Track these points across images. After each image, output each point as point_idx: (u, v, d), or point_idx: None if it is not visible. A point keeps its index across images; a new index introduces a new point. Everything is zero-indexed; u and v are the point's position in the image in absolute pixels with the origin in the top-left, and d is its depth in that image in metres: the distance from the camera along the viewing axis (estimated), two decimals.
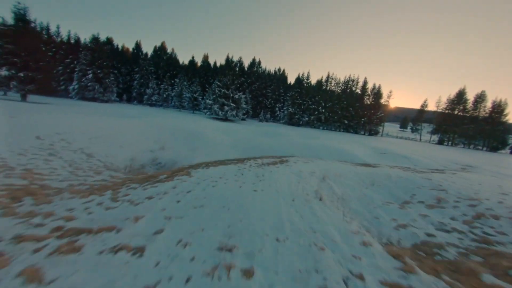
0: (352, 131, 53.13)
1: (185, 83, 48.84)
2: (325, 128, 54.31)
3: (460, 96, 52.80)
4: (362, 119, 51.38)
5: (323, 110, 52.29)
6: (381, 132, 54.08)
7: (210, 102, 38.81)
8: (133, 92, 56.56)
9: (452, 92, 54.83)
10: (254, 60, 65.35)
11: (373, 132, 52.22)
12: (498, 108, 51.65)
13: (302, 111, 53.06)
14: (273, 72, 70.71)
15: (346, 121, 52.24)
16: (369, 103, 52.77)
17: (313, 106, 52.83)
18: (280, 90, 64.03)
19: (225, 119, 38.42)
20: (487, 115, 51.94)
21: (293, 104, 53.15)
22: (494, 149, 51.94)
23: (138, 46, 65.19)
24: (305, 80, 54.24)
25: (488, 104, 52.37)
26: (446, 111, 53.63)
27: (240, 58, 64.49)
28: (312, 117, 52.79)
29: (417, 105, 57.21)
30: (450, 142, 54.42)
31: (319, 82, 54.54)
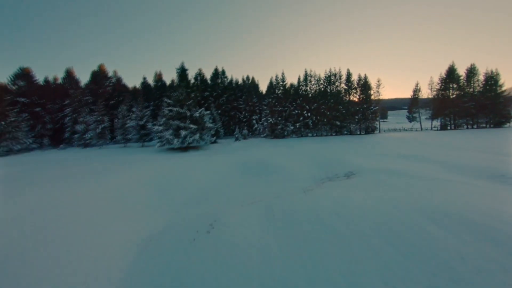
0: (346, 132, 44.59)
1: (135, 109, 36.83)
2: (315, 134, 45.16)
3: (452, 73, 47.40)
4: (356, 117, 43.17)
5: (309, 114, 43.30)
6: (378, 128, 46.27)
7: (160, 128, 27.40)
8: (65, 132, 43.00)
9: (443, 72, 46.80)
10: (216, 70, 55.60)
11: (370, 130, 44.12)
12: (491, 80, 46.78)
13: (285, 119, 43.56)
14: (241, 82, 61.42)
15: (338, 122, 43.64)
16: (357, 97, 45.09)
17: (296, 111, 43.68)
18: (254, 100, 54.42)
19: (185, 148, 27.02)
20: (481, 89, 46.81)
21: (272, 113, 43.55)
22: (498, 124, 46.41)
23: (69, 74, 52.19)
24: (281, 83, 45.32)
25: (481, 78, 47.42)
26: (442, 93, 47.74)
27: (200, 70, 54.43)
28: (297, 124, 43.42)
29: (405, 95, 50.45)
30: (452, 125, 48.17)
31: (298, 83, 45.96)
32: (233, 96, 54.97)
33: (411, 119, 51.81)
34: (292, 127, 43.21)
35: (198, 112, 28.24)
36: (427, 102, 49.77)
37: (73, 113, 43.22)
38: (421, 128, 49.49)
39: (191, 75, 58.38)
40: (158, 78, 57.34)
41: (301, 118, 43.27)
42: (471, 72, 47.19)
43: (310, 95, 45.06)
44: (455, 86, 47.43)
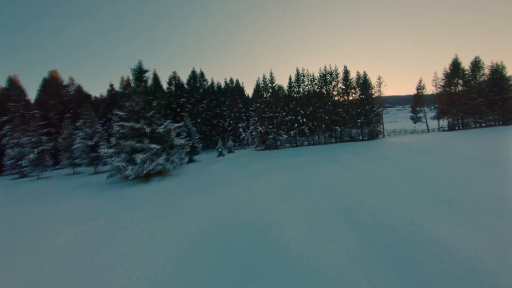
0: (347, 138, 38.60)
1: (81, 124, 28.56)
2: (312, 141, 38.79)
3: (456, 66, 42.97)
4: (359, 120, 37.31)
5: (304, 120, 36.89)
6: (382, 131, 40.76)
7: (109, 151, 19.69)
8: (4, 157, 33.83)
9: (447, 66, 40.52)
10: (194, 72, 48.19)
11: (374, 135, 38.41)
12: (496, 74, 42.81)
13: (277, 127, 36.87)
14: (224, 85, 54.40)
15: (337, 127, 37.56)
16: (356, 97, 39.41)
17: (290, 117, 37.15)
18: (240, 105, 47.47)
19: (147, 177, 19.57)
20: (488, 83, 42.69)
21: (261, 120, 36.74)
22: (506, 122, 42.37)
23: (12, 83, 42.89)
24: (269, 85, 38.73)
25: (486, 71, 43.34)
26: (447, 89, 43.15)
27: (174, 73, 46.83)
28: (292, 132, 36.85)
29: (405, 92, 44.93)
30: (460, 125, 43.62)
31: (289, 84, 39.62)
32: (215, 101, 47.75)
33: (415, 119, 46.83)
34: (285, 136, 36.57)
35: (162, 127, 20.78)
36: (431, 100, 45.10)
37: (13, 132, 34.14)
38: (428, 129, 44.69)
39: (164, 79, 50.84)
40: (126, 84, 49.01)
41: (296, 124, 36.75)
42: (476, 65, 43.02)
43: (304, 97, 38.72)
44: (460, 81, 42.99)
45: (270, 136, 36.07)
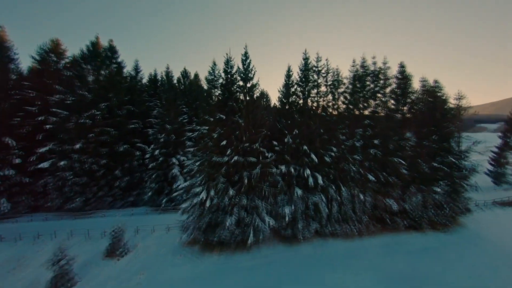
0: (414, 224, 17.00)
1: None
2: (338, 230, 16.22)
3: None
4: (443, 180, 16.04)
5: (317, 174, 14.38)
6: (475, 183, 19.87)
7: None
8: None
9: None
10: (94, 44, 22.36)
11: (462, 209, 17.51)
12: None
13: (249, 189, 13.74)
14: (163, 79, 29.84)
15: (390, 199, 15.81)
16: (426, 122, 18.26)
17: (283, 168, 14.33)
18: (183, 118, 23.33)
19: None
20: None
21: (212, 172, 13.36)
22: None
23: None
24: (239, 83, 15.49)
25: None
26: None
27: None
28: (286, 210, 14.00)
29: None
30: None
31: (286, 77, 16.92)
32: (135, 107, 23.00)
33: (496, 174, 26.84)
34: (269, 220, 13.66)
35: None
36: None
37: None
38: None
39: None
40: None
41: (298, 169, 14.02)
42: None
43: (317, 117, 16.28)
44: None
45: (229, 222, 12.85)
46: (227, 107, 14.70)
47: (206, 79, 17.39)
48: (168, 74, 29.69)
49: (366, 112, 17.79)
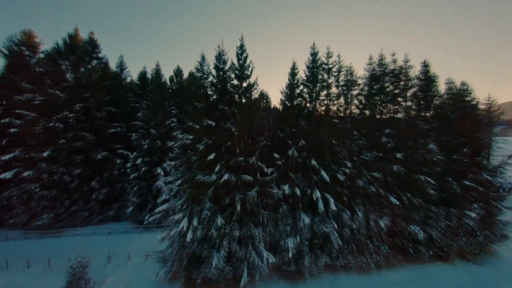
0: (443, 254, 14.09)
1: None
2: (350, 264, 13.34)
3: None
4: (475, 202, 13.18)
5: (328, 197, 11.56)
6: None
7: None
8: None
9: None
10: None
11: (497, 236, 14.63)
12: None
13: (244, 215, 10.89)
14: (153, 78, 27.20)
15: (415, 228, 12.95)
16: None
17: (286, 188, 11.48)
18: (171, 122, 20.46)
19: None
20: None
21: (196, 195, 10.51)
22: None
23: None
24: (232, 82, 12.67)
25: None
26: None
27: None
28: (290, 244, 11.12)
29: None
30: None
31: (290, 74, 14.10)
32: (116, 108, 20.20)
33: None
34: (267, 255, 10.75)
35: None
36: None
37: None
38: None
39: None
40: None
41: (301, 215, 11.13)
42: None
43: (328, 123, 13.44)
44: None
45: (216, 259, 9.95)
46: (217, 111, 11.87)
47: (192, 75, 14.56)
48: (157, 71, 26.82)
49: (385, 118, 14.98)
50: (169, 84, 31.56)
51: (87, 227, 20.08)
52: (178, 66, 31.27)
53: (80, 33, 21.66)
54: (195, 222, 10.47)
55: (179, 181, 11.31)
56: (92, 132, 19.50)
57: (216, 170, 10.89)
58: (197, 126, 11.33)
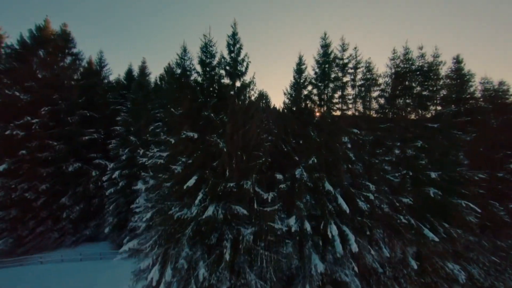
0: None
1: None
2: None
3: None
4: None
5: (346, 206, 8.73)
6: None
7: None
8: None
9: None
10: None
11: None
12: None
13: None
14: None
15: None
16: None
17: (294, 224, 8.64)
18: (155, 127, 17.46)
19: None
20: None
21: (170, 235, 7.70)
22: None
23: None
24: (223, 80, 9.84)
25: None
26: None
27: None
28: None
29: None
30: None
31: (296, 68, 11.22)
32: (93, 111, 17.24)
33: None
34: None
35: None
36: None
37: None
38: None
39: None
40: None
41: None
42: None
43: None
44: None
45: None
46: (202, 119, 9.01)
47: (169, 72, 11.71)
48: (143, 69, 23.87)
49: (413, 127, 12.12)
50: (159, 83, 28.64)
51: (58, 249, 17.29)
52: (169, 64, 28.29)
53: (52, 25, 18.76)
54: (169, 271, 7.63)
55: (149, 214, 8.46)
56: (61, 140, 16.63)
57: (198, 199, 8.04)
58: (173, 140, 8.45)
